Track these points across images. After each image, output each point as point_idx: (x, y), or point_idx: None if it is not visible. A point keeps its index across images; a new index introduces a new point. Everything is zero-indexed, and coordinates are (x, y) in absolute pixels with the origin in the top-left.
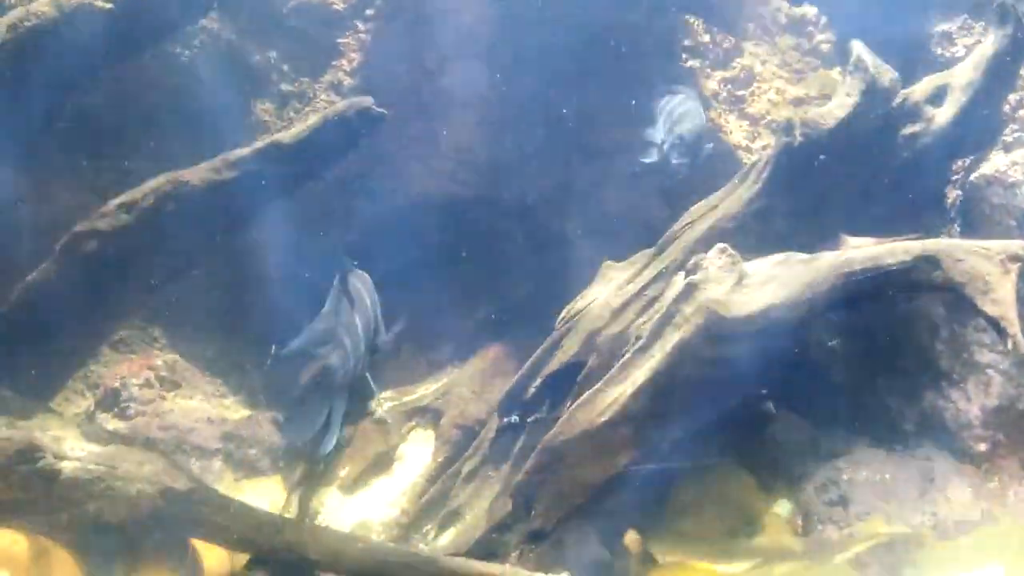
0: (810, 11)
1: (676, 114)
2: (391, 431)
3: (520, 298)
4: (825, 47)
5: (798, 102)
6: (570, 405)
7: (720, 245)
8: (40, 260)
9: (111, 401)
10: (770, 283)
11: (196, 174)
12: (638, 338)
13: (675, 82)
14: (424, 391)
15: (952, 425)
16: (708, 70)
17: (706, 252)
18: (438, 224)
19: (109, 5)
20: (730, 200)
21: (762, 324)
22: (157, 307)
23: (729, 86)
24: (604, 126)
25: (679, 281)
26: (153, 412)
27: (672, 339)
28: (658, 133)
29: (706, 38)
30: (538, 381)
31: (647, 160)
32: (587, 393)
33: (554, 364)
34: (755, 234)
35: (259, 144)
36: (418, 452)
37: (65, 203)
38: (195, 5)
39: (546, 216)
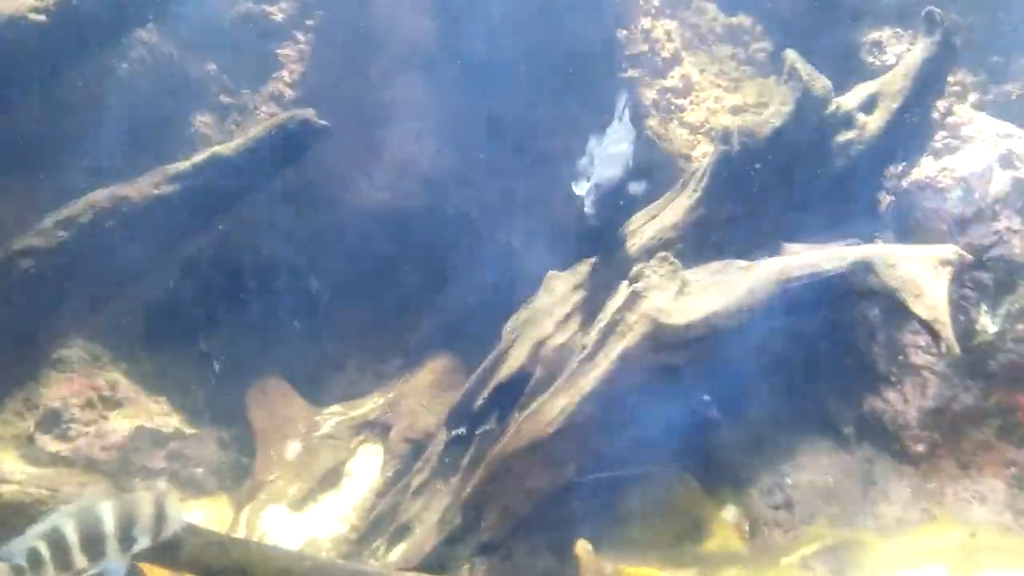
0: (746, 20)
1: (603, 155)
2: (339, 446)
3: (467, 309)
4: (761, 56)
5: (736, 110)
6: (518, 416)
7: (661, 254)
8: None
9: (52, 422)
10: (711, 290)
11: (136, 188)
12: (583, 347)
13: (616, 92)
14: (372, 404)
15: (891, 427)
16: (647, 79)
17: (648, 261)
18: (383, 236)
19: (42, 18)
20: (671, 209)
21: (704, 331)
22: (99, 325)
23: (668, 95)
24: (547, 135)
25: (623, 290)
26: (96, 433)
27: (616, 348)
28: (588, 169)
29: (644, 47)
30: (486, 392)
31: (576, 192)
32: (534, 404)
33: (501, 375)
34: (696, 242)
35: (199, 157)
36: (367, 466)
37: (5, 219)
38: (133, 17)
39: (491, 226)
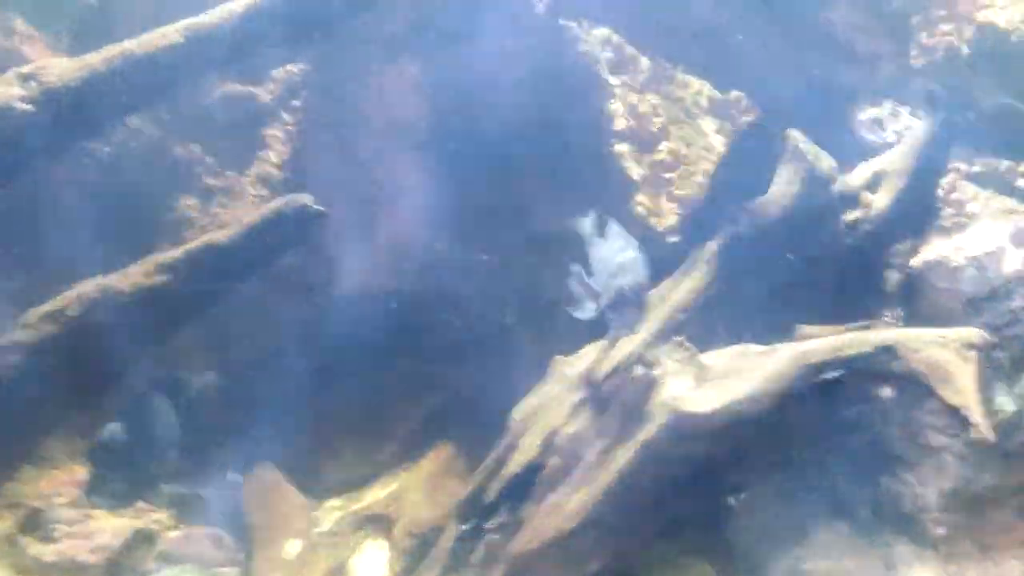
0: (731, 94)
1: (614, 264)
2: (341, 543)
3: (463, 393)
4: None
5: None
6: (533, 511)
7: (676, 338)
8: None
9: (34, 523)
10: (730, 377)
11: (126, 279)
12: (599, 438)
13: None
14: (373, 497)
15: (910, 510)
16: (636, 154)
17: (660, 345)
18: (375, 320)
19: (29, 107)
20: (680, 292)
21: (726, 419)
22: (84, 420)
23: (657, 169)
24: (539, 215)
25: (637, 377)
26: (82, 533)
27: (636, 439)
28: (593, 283)
29: (632, 122)
30: (497, 485)
31: (581, 316)
32: (551, 498)
33: (513, 466)
34: (707, 326)
35: (192, 245)
36: (372, 564)
37: None
38: (123, 105)
39: (485, 307)
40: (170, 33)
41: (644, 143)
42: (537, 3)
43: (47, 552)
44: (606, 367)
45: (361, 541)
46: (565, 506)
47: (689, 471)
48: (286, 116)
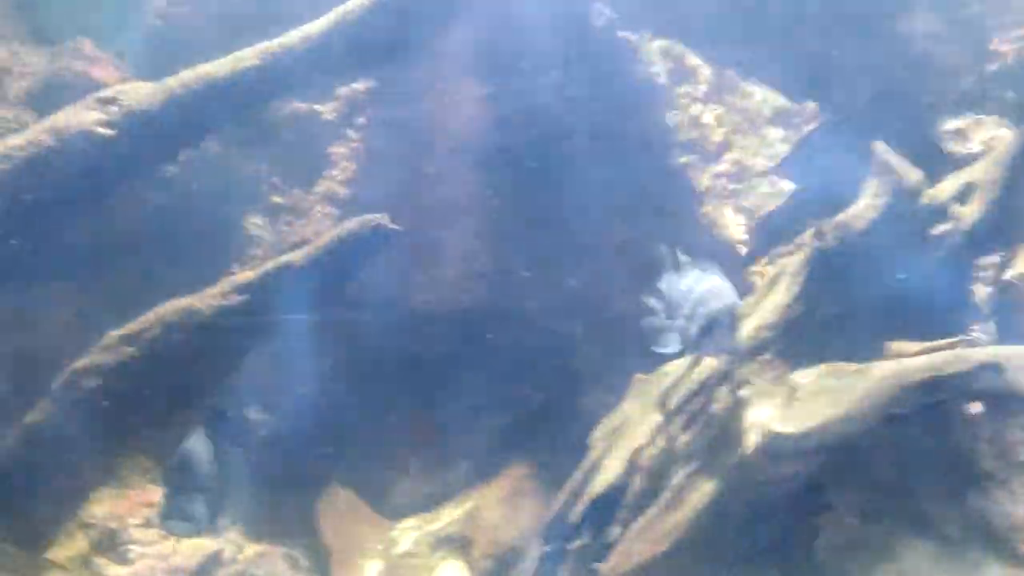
0: (799, 105)
1: (698, 293)
2: (420, 564)
3: (532, 409)
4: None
5: None
6: (619, 533)
7: (764, 357)
8: (22, 390)
9: (108, 543)
10: (822, 396)
11: (203, 300)
12: (688, 459)
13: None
14: (449, 517)
15: (1000, 528)
16: (700, 164)
17: (747, 365)
18: (442, 335)
19: (111, 132)
20: (764, 308)
21: (820, 440)
22: (161, 441)
23: (722, 180)
24: (604, 227)
25: (724, 396)
26: (156, 555)
27: (727, 460)
28: (676, 316)
29: (695, 133)
30: (580, 506)
31: (665, 350)
32: (641, 520)
33: (597, 487)
34: (793, 343)
35: (267, 266)
36: None
37: (50, 328)
38: (201, 128)
39: (552, 323)
40: (247, 56)
41: (708, 154)
42: (597, 17)
43: (122, 573)
44: (689, 387)
45: (440, 562)
46: (656, 529)
47: (780, 492)
48: (351, 133)
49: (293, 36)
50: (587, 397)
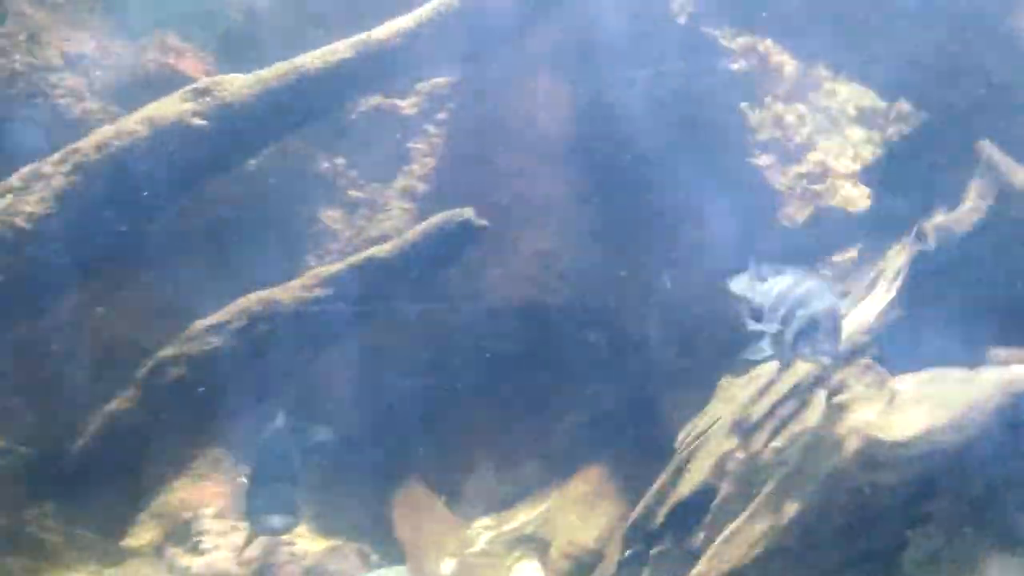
0: (879, 103)
1: (795, 296)
2: (496, 564)
3: (608, 409)
4: (898, 139)
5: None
6: (706, 538)
7: (864, 361)
8: (102, 379)
9: (182, 534)
10: (925, 403)
11: (287, 292)
12: (780, 464)
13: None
14: (525, 516)
15: None
16: (781, 166)
17: (845, 368)
18: (519, 331)
19: (203, 122)
20: (861, 311)
21: (923, 449)
22: (239, 432)
23: (804, 181)
24: (683, 227)
25: (820, 400)
26: (229, 546)
27: (823, 466)
28: (769, 320)
29: (777, 133)
30: (665, 509)
31: (757, 357)
32: (732, 527)
33: (682, 490)
34: (893, 347)
35: (354, 259)
36: None
37: (130, 317)
38: (295, 121)
39: (628, 321)
40: (341, 49)
41: (789, 154)
42: (679, 14)
43: (196, 563)
44: (781, 390)
45: (515, 562)
46: (747, 535)
47: (879, 501)
48: (430, 128)
49: (388, 28)
50: (664, 398)
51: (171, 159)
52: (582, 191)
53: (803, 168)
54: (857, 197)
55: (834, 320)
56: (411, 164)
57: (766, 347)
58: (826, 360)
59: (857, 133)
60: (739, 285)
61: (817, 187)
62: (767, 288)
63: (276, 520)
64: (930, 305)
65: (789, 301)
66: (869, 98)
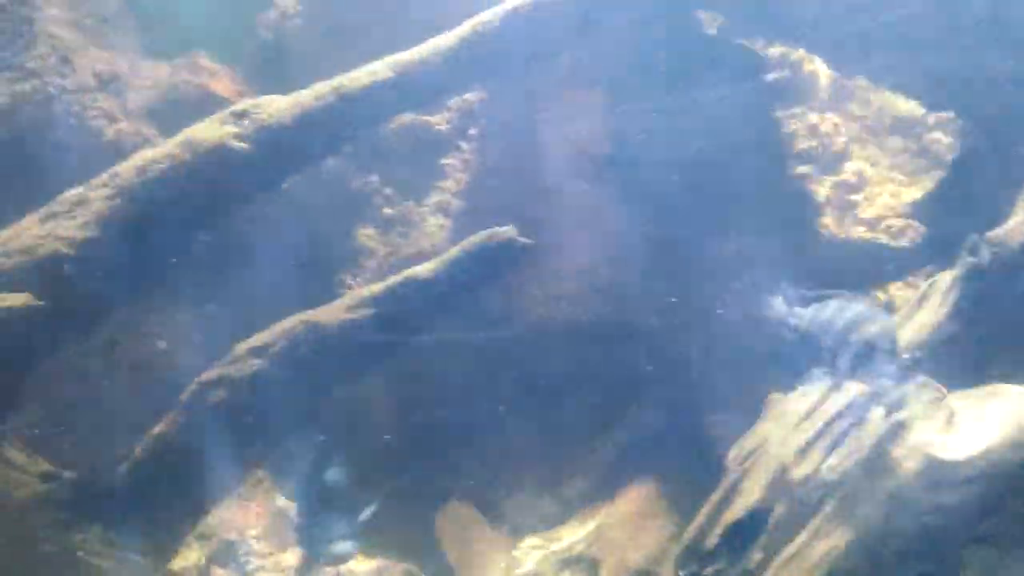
0: (917, 111)
1: (845, 320)
2: None
3: (651, 428)
4: (936, 147)
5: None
6: (761, 559)
7: (921, 378)
8: (139, 400)
9: (226, 554)
10: (985, 421)
11: (330, 314)
12: (838, 484)
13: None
14: (572, 536)
15: None
16: (818, 175)
17: (902, 386)
18: (559, 351)
19: (244, 145)
20: (913, 327)
21: (985, 468)
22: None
23: (841, 191)
24: (722, 240)
25: (877, 418)
26: (274, 566)
27: (884, 487)
28: (819, 348)
29: (813, 143)
30: (718, 530)
31: (813, 386)
32: (791, 548)
33: (736, 511)
34: (947, 364)
35: (394, 280)
36: None
37: (167, 338)
38: (334, 141)
39: (669, 339)
40: (380, 69)
41: (827, 164)
42: (709, 25)
43: None
44: (835, 407)
45: None
46: (806, 557)
47: (941, 522)
48: (463, 144)
49: (426, 48)
50: (709, 417)
51: (212, 183)
52: (620, 206)
53: (841, 177)
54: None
55: (892, 342)
56: (445, 180)
57: (817, 376)
58: (888, 384)
59: (895, 142)
60: (775, 310)
61: (855, 197)
62: (811, 314)
63: (338, 547)
64: (984, 320)
65: (838, 326)
66: (907, 108)
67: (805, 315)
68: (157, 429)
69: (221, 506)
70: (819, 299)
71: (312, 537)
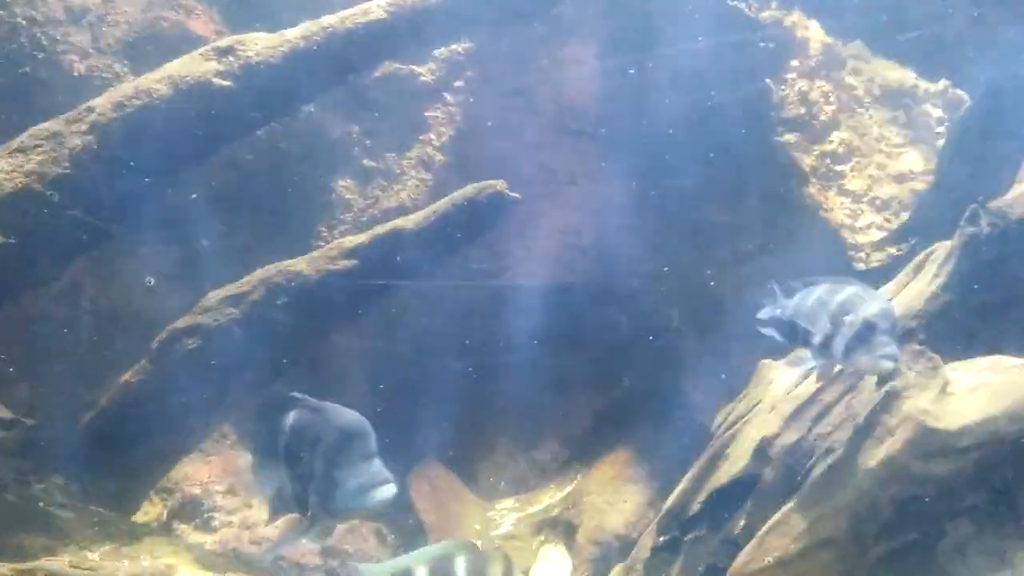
0: (906, 79)
1: (838, 302)
2: (522, 547)
3: (625, 391)
4: (924, 119)
5: (901, 178)
6: (746, 525)
7: (916, 347)
8: (102, 346)
9: (191, 510)
10: (981, 391)
11: (310, 264)
12: (828, 451)
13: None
14: (550, 499)
15: None
16: (805, 144)
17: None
18: (540, 310)
19: (228, 83)
20: (908, 296)
21: (979, 438)
22: (251, 407)
23: (827, 161)
24: (706, 205)
25: (870, 387)
26: (241, 523)
27: (876, 454)
28: (813, 330)
29: (802, 110)
30: (702, 496)
31: (805, 367)
32: (778, 515)
33: (721, 477)
34: (943, 334)
35: (379, 230)
36: (555, 572)
37: (132, 286)
38: (314, 86)
39: (651, 302)
40: (373, 9)
41: (814, 132)
42: None
43: (207, 541)
44: (825, 374)
45: (540, 546)
46: (794, 524)
47: (931, 491)
48: (448, 97)
49: None
50: (687, 382)
51: (193, 121)
52: (605, 167)
53: (828, 147)
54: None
55: (891, 321)
56: (428, 133)
57: (809, 357)
58: (888, 365)
59: (884, 113)
60: (766, 316)
61: (841, 167)
62: (800, 300)
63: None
64: (980, 291)
65: (831, 308)
66: (899, 76)
67: (791, 304)
68: (125, 377)
69: (186, 459)
70: (805, 286)
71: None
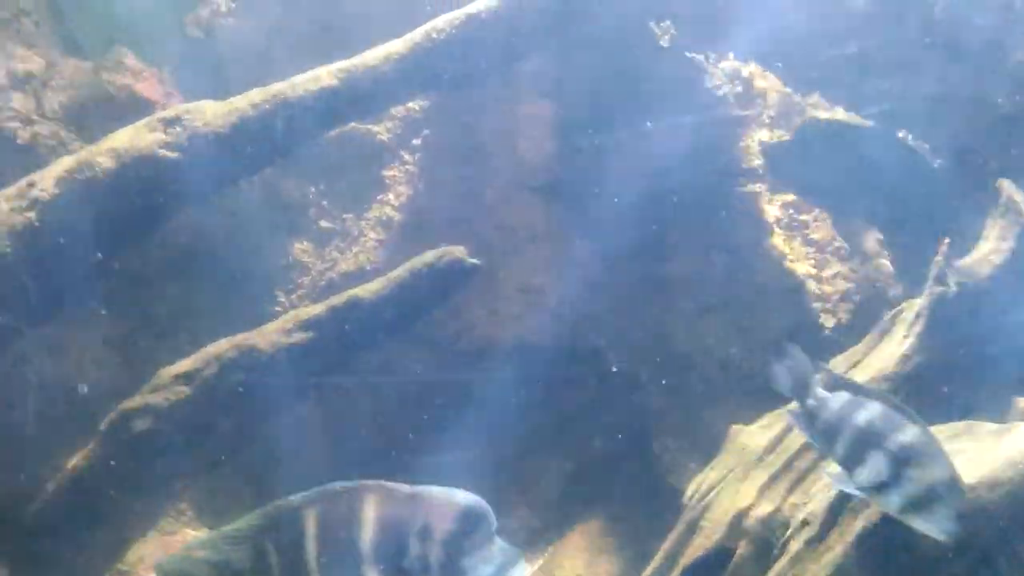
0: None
1: (899, 444)
2: None
3: (597, 454)
4: None
5: None
6: None
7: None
8: (47, 421)
9: None
10: (957, 458)
11: (264, 338)
12: (804, 523)
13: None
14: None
15: None
16: (767, 195)
17: None
18: (504, 374)
19: (175, 155)
20: (878, 357)
21: (961, 507)
22: (212, 485)
23: (790, 211)
24: (669, 262)
25: None
26: None
27: (852, 526)
28: (866, 470)
29: (763, 160)
30: (677, 571)
31: (839, 488)
32: None
33: (695, 551)
34: (914, 396)
35: (336, 300)
36: None
37: (76, 356)
38: (273, 150)
39: (617, 359)
40: (324, 76)
41: (775, 183)
42: (662, 36)
43: None
44: (799, 441)
45: None
46: None
47: (911, 563)
48: (406, 156)
49: (375, 54)
50: (656, 443)
51: (138, 194)
52: (567, 224)
53: (789, 197)
54: None
55: (958, 495)
56: (386, 193)
57: (846, 479)
58: (941, 538)
59: None
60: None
61: (805, 216)
62: (843, 413)
63: None
64: (950, 351)
65: (891, 448)
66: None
67: (829, 406)
68: (73, 461)
69: (142, 541)
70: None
71: None
